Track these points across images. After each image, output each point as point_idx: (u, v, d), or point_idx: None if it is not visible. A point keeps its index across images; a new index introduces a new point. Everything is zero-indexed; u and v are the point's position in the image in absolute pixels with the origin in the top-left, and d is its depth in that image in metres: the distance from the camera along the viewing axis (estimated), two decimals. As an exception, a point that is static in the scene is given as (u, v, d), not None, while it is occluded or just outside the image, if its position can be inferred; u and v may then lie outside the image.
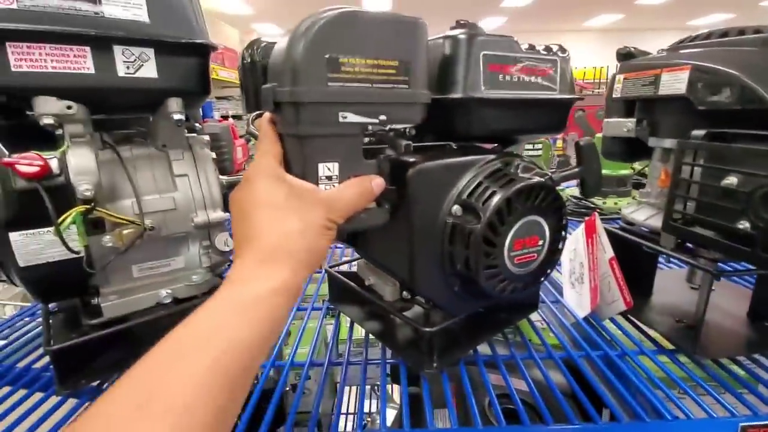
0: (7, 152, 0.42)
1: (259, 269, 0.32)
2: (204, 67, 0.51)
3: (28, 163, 0.41)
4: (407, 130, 0.42)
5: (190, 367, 0.26)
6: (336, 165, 0.37)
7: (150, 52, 0.46)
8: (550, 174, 0.45)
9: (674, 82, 0.52)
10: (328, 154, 0.37)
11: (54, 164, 0.43)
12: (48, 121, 0.43)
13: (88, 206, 0.44)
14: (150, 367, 0.27)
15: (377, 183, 0.39)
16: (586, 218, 0.66)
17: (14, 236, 0.44)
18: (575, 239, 0.71)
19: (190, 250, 0.58)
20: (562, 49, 0.45)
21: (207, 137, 0.59)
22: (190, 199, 0.55)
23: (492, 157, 0.45)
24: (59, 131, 0.45)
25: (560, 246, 0.48)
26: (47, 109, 0.43)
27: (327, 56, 0.34)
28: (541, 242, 0.46)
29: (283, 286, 0.32)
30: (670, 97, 0.53)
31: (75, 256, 0.45)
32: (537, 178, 0.43)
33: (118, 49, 0.45)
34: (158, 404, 0.24)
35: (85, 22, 0.42)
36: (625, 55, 0.60)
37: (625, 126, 0.60)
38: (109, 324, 0.52)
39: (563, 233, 0.48)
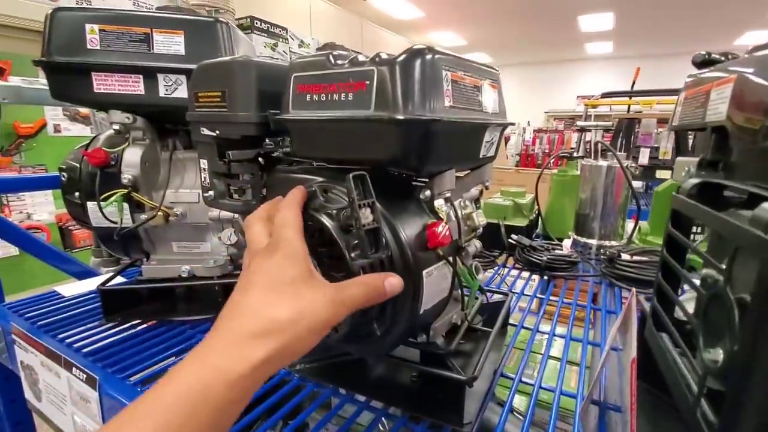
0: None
1: (226, 351, 0.26)
2: (228, 89, 0.62)
3: (93, 154, 0.59)
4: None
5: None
6: (204, 161, 0.48)
7: (182, 78, 0.60)
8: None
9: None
10: (200, 153, 0.49)
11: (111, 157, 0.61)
12: (116, 127, 0.61)
13: (126, 190, 0.60)
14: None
15: (390, 282, 0.32)
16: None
17: (90, 204, 0.63)
18: (617, 320, 0.50)
19: (214, 238, 0.70)
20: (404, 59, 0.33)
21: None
22: (210, 197, 0.66)
23: (318, 180, 0.39)
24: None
25: None
26: (115, 119, 0.61)
27: (194, 92, 0.47)
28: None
29: (248, 377, 0.26)
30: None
31: (114, 225, 0.62)
32: (319, 216, 0.35)
33: (161, 76, 0.59)
34: None
35: (140, 57, 0.58)
36: (702, 63, 0.39)
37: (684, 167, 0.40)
38: (143, 282, 0.68)
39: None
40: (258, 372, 0.26)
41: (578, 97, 7.24)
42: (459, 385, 0.42)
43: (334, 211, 0.35)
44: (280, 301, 0.28)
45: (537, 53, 7.92)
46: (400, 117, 0.33)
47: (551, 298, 0.81)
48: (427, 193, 0.40)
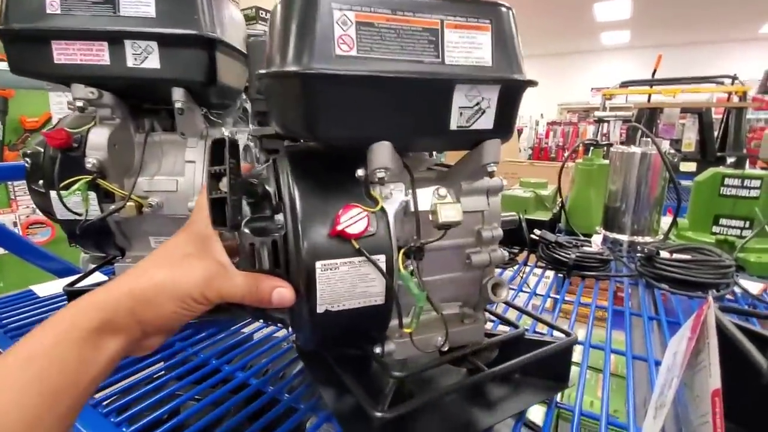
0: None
1: (91, 307, 0.28)
2: (209, 59, 0.53)
3: (53, 134, 0.51)
4: None
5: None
6: None
7: (153, 45, 0.51)
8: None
9: None
10: None
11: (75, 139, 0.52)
12: (79, 104, 0.53)
13: (91, 177, 0.52)
14: None
15: (279, 291, 0.31)
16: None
17: (52, 194, 0.55)
18: (679, 337, 0.40)
19: (197, 233, 0.61)
20: None
21: (225, 129, 0.61)
22: (191, 185, 0.58)
23: None
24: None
25: None
26: (78, 94, 0.52)
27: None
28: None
29: (98, 330, 0.28)
30: None
31: (79, 217, 0.54)
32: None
33: (128, 43, 0.51)
34: None
35: (104, 21, 0.50)
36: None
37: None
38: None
39: None
40: (122, 317, 0.28)
41: (593, 89, 7.02)
42: (380, 422, 0.33)
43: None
44: (159, 269, 0.31)
45: (550, 44, 7.69)
46: (263, 71, 0.29)
47: (577, 299, 0.71)
48: (360, 172, 0.32)
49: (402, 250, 0.33)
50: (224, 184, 0.29)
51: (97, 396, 0.47)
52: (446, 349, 0.38)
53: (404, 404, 0.34)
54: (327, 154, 0.35)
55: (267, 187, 0.33)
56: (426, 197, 0.34)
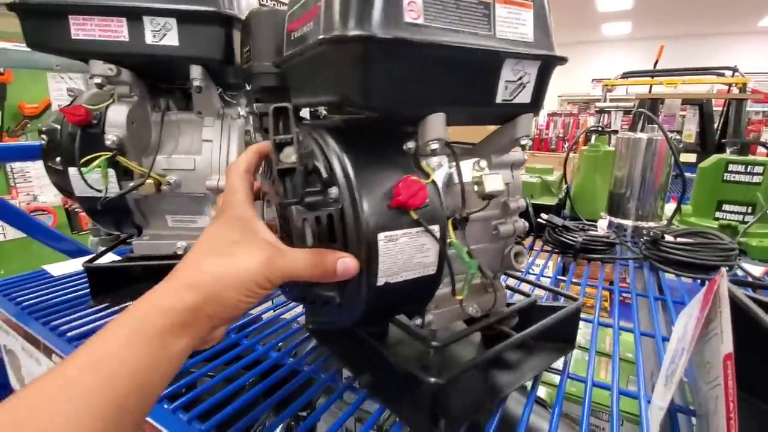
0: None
1: (157, 299, 0.27)
2: (226, 37, 0.53)
3: (72, 111, 0.51)
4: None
5: (70, 392, 0.23)
6: None
7: (172, 21, 0.51)
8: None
9: None
10: None
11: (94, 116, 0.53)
12: (97, 80, 0.53)
13: (110, 154, 0.53)
14: (32, 389, 0.23)
15: (344, 262, 0.30)
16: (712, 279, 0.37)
17: (71, 171, 0.56)
18: (689, 310, 0.42)
19: (212, 211, 0.62)
20: None
21: (241, 109, 0.61)
22: (208, 164, 0.58)
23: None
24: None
25: None
26: (96, 70, 0.53)
27: None
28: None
29: (171, 327, 0.26)
30: None
31: (99, 194, 0.54)
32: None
33: (147, 19, 0.51)
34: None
35: (124, -5, 0.50)
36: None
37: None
38: (135, 259, 0.61)
39: None
40: (189, 315, 0.27)
41: (593, 80, 7.00)
42: (432, 389, 0.33)
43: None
44: (212, 259, 0.29)
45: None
46: (322, 36, 0.27)
47: (584, 281, 0.72)
48: (410, 144, 0.32)
49: (449, 221, 0.33)
50: (287, 155, 0.28)
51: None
52: (480, 316, 0.39)
53: (452, 369, 0.34)
54: (362, 128, 0.35)
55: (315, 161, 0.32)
56: (466, 169, 0.35)
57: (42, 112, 2.55)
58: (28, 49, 0.90)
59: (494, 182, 0.34)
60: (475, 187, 0.34)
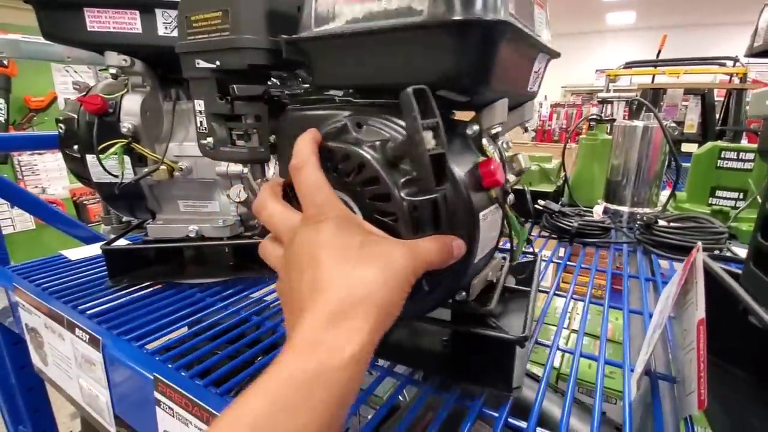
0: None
1: (329, 330, 0.24)
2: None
3: (89, 100, 0.54)
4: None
5: None
6: (200, 102, 0.36)
7: (183, 14, 0.53)
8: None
9: None
10: (196, 93, 0.41)
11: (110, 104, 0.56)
12: (113, 71, 0.56)
13: (126, 141, 0.56)
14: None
15: (458, 244, 0.30)
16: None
17: (89, 158, 0.59)
18: (670, 285, 0.44)
19: (222, 197, 0.65)
20: None
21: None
22: (218, 150, 0.61)
23: (345, 114, 0.33)
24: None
25: None
26: (111, 61, 0.55)
27: (185, 16, 0.40)
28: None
29: (361, 351, 0.23)
30: None
31: (115, 180, 0.57)
32: (358, 149, 0.29)
33: (159, 12, 0.53)
34: None
35: (137, -10, 0.52)
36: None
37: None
38: (149, 242, 0.64)
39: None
40: (368, 345, 0.24)
41: (597, 71, 6.95)
42: (508, 346, 0.37)
43: (378, 143, 0.29)
44: (360, 266, 0.25)
45: (554, 24, 7.28)
46: (458, 17, 0.26)
47: (578, 263, 0.75)
48: (475, 127, 0.34)
49: None
50: (429, 139, 0.27)
51: (140, 343, 0.51)
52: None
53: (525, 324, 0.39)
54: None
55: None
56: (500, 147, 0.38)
57: (48, 105, 2.58)
58: (38, 41, 0.93)
59: (525, 160, 0.38)
60: (513, 165, 0.38)
